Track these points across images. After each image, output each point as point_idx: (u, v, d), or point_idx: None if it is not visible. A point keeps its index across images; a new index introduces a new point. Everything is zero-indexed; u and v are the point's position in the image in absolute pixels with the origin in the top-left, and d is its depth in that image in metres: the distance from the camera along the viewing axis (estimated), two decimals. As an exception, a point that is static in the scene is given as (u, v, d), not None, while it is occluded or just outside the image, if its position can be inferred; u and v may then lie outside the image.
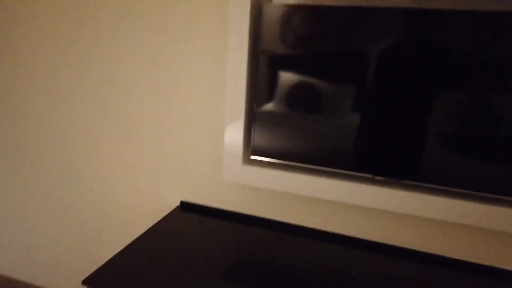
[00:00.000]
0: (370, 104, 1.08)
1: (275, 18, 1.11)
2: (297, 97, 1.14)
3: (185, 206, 1.43)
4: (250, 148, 1.25)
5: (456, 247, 1.18)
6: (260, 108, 1.19)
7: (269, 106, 1.18)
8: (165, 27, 1.28)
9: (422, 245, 1.21)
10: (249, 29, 1.13)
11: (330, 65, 1.09)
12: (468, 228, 1.15)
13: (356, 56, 1.06)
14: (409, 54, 1.02)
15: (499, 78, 0.95)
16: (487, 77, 0.96)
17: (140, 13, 1.29)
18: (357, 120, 1.10)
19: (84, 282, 0.94)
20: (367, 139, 1.11)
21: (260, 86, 1.18)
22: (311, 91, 1.12)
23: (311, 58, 1.10)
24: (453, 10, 0.95)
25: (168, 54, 1.30)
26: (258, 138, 1.22)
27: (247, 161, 1.28)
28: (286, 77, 1.14)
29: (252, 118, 1.21)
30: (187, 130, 1.36)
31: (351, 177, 1.19)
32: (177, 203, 1.46)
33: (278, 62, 1.14)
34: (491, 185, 1.04)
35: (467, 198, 1.08)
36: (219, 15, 1.20)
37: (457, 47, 0.97)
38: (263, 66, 1.16)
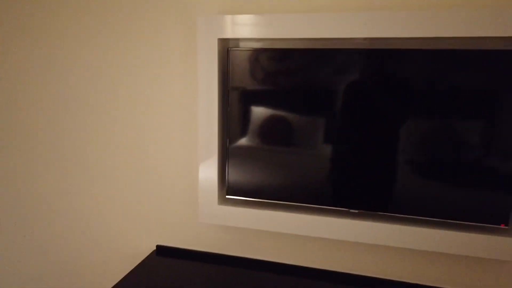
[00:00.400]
0: (340, 137, 1.09)
1: (242, 59, 1.13)
2: (269, 131, 1.15)
3: (161, 250, 1.39)
4: (225, 186, 1.25)
5: (435, 275, 1.18)
6: (233, 144, 1.20)
7: (242, 141, 1.19)
8: (136, 71, 1.28)
9: (401, 275, 1.21)
10: (217, 70, 1.14)
11: (300, 99, 1.10)
12: (445, 256, 1.16)
13: (324, 90, 1.08)
14: (373, 88, 1.04)
15: (459, 107, 1.00)
16: (448, 106, 1.00)
17: (110, 60, 1.30)
18: (329, 153, 1.11)
19: None
20: (339, 172, 1.12)
21: (232, 122, 1.19)
22: (283, 124, 1.14)
23: (281, 92, 1.11)
24: (405, 49, 1.02)
25: (139, 96, 1.30)
26: (233, 176, 1.21)
27: (222, 201, 1.27)
28: (258, 112, 1.15)
29: (226, 154, 1.21)
30: (161, 172, 1.33)
31: (327, 212, 1.19)
32: (152, 247, 1.42)
33: (249, 98, 1.15)
34: (465, 213, 1.05)
35: (442, 226, 1.10)
36: (189, 59, 1.22)
37: (414, 80, 1.01)
38: (234, 102, 1.16)
